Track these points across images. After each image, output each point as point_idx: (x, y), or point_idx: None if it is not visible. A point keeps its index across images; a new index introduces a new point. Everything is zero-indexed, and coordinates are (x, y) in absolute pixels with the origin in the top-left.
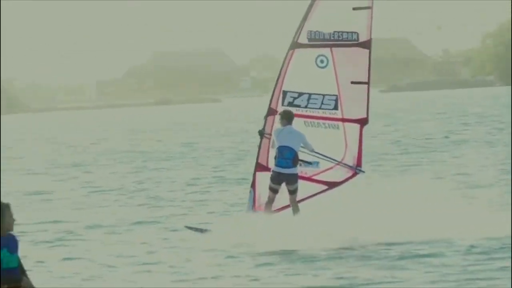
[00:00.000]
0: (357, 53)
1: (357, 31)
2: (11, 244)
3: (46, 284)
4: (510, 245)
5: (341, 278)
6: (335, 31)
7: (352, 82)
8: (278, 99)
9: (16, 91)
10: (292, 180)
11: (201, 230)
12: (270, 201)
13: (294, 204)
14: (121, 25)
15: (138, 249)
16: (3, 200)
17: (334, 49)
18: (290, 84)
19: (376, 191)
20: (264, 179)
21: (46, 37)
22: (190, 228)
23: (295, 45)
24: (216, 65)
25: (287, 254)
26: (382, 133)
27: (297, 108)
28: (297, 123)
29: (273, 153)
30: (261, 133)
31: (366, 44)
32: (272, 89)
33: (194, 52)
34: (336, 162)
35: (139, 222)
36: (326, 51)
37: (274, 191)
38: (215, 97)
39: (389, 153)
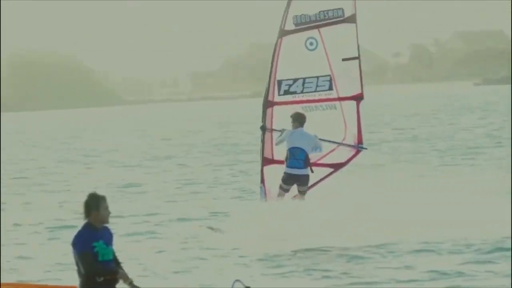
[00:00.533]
0: (344, 29)
1: (341, 7)
2: (107, 236)
3: (139, 277)
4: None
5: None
6: (320, 11)
7: (343, 59)
8: (274, 90)
9: (111, 84)
10: (304, 181)
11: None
12: (280, 196)
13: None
14: (217, 17)
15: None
16: (99, 193)
17: (321, 29)
18: (284, 72)
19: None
20: (271, 172)
21: (142, 30)
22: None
23: (282, 32)
24: None
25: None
26: (475, 126)
27: (294, 95)
28: (295, 109)
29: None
30: (263, 128)
31: (352, 19)
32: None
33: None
34: (338, 144)
35: None
36: (314, 33)
37: (285, 190)
38: None
39: (481, 146)
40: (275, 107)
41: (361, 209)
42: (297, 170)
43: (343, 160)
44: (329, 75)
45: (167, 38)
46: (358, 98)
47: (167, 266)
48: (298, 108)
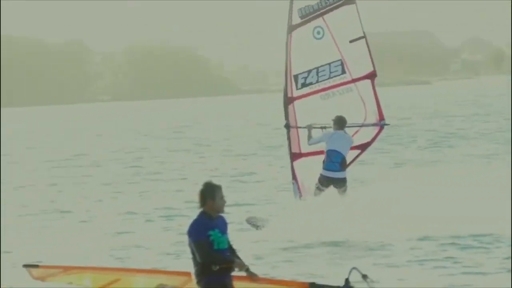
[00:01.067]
0: (346, 12)
1: None
2: (222, 225)
3: (251, 265)
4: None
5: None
6: None
7: (350, 41)
8: (291, 86)
9: (227, 73)
10: (340, 183)
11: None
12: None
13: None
14: None
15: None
16: (214, 182)
17: (325, 16)
18: (298, 66)
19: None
20: (302, 166)
21: (261, 21)
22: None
23: (291, 28)
24: (424, 47)
25: None
26: None
27: (310, 86)
28: (314, 100)
29: (304, 138)
30: (288, 126)
31: (351, 0)
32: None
33: (402, 33)
34: (360, 124)
35: None
36: (319, 21)
37: (321, 190)
38: (424, 79)
39: None
40: (296, 102)
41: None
42: (333, 173)
43: (368, 140)
44: (339, 60)
45: (282, 28)
46: (372, 76)
47: (278, 255)
48: (316, 98)
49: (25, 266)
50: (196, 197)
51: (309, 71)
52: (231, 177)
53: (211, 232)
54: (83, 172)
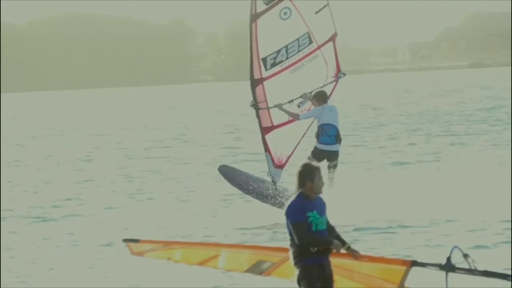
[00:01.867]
0: None
1: None
2: (320, 206)
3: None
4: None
5: None
6: None
7: (316, 13)
8: (259, 68)
9: None
10: (334, 156)
11: None
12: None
13: (331, 181)
14: None
15: None
16: (313, 163)
17: None
18: (266, 49)
19: None
20: (273, 137)
21: None
22: None
23: (255, 16)
24: None
25: None
26: None
27: (280, 64)
28: (284, 76)
29: (276, 112)
30: (255, 106)
31: None
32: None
33: (508, 13)
34: (321, 86)
35: None
36: (286, 3)
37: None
38: None
39: None
40: (266, 82)
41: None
42: (329, 147)
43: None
44: (307, 32)
45: (387, 7)
46: (334, 37)
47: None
48: (287, 74)
49: (125, 240)
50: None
51: (278, 51)
52: None
53: (309, 214)
54: (193, 150)
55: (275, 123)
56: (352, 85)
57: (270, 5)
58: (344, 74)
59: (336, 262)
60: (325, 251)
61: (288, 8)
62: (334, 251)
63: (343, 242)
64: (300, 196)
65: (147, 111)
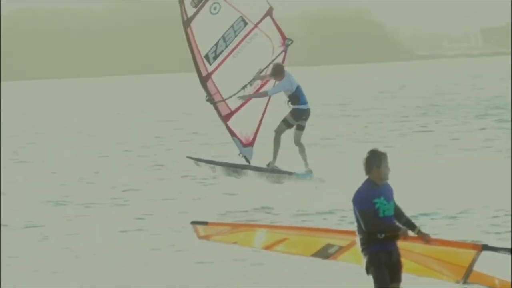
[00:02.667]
0: None
1: None
2: (388, 192)
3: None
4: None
5: None
6: None
7: None
8: (204, 65)
9: (401, 39)
10: (308, 115)
11: None
12: (281, 133)
13: (301, 142)
14: None
15: None
16: (379, 150)
17: None
18: (205, 46)
19: None
20: (235, 121)
21: None
22: None
23: (188, 21)
24: None
25: None
26: None
27: (222, 54)
28: (228, 64)
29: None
30: (210, 100)
31: None
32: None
33: None
34: (270, 60)
35: None
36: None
37: (290, 127)
38: None
39: None
40: (213, 76)
41: None
42: (308, 105)
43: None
44: (240, 16)
45: None
46: (270, 11)
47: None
48: (231, 60)
49: (193, 223)
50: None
51: (216, 43)
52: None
53: (376, 200)
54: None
55: (233, 109)
56: (426, 70)
57: (198, 6)
58: (291, 41)
59: (405, 246)
60: (393, 238)
61: (217, 3)
62: (403, 237)
63: (413, 226)
64: (366, 183)
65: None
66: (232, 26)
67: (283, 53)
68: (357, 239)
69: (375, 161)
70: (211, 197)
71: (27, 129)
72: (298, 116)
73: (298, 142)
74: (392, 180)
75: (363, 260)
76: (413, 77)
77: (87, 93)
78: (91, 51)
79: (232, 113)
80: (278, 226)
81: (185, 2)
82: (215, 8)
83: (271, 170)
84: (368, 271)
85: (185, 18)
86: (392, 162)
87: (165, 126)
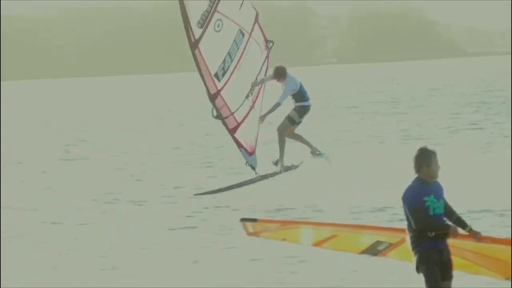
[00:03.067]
0: None
1: None
2: (438, 190)
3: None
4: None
5: None
6: None
7: (240, 8)
8: (214, 83)
9: (453, 35)
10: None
11: None
12: (285, 130)
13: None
14: None
15: None
16: (429, 147)
17: (218, 8)
18: (214, 65)
19: None
20: (241, 132)
21: None
22: None
23: (195, 43)
24: None
25: None
26: None
27: (229, 69)
28: (235, 77)
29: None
30: (219, 117)
31: None
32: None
33: None
34: (261, 65)
35: None
36: (216, 16)
37: (298, 124)
38: None
39: None
40: (222, 92)
41: None
42: (309, 102)
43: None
44: (238, 29)
45: None
46: (256, 17)
47: None
48: (237, 75)
49: (243, 220)
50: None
51: (224, 60)
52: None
53: (426, 198)
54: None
55: (239, 120)
56: (477, 67)
57: (204, 26)
58: (272, 42)
59: (455, 243)
60: (443, 236)
61: (219, 20)
62: (452, 235)
63: (464, 224)
64: (416, 181)
65: None
66: (234, 40)
67: (267, 55)
68: (407, 237)
69: (425, 159)
70: (260, 194)
71: (77, 127)
72: (303, 112)
73: (283, 132)
74: (442, 178)
75: (414, 259)
76: (464, 74)
77: (131, 90)
78: (131, 49)
79: (238, 125)
80: (327, 224)
81: (191, 22)
82: (218, 26)
83: (287, 168)
84: (418, 270)
85: (193, 40)
86: (442, 159)
87: (215, 124)
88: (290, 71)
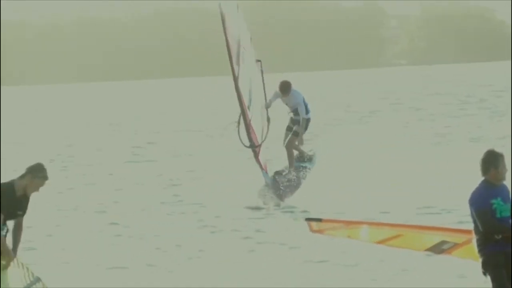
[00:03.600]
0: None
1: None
2: (505, 193)
3: None
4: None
5: None
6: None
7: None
8: (247, 115)
9: None
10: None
11: None
12: (292, 145)
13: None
14: None
15: None
16: (497, 150)
17: (241, 40)
18: (247, 97)
19: None
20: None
21: None
22: None
23: (237, 80)
24: None
25: None
26: None
27: (252, 99)
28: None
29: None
30: (252, 146)
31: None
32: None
33: None
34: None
35: None
36: (241, 49)
37: (299, 136)
38: None
39: None
40: (251, 122)
41: None
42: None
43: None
44: (255, 59)
45: None
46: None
47: None
48: (255, 101)
49: (308, 219)
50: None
51: (249, 91)
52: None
53: (493, 201)
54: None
55: (260, 142)
56: None
57: (239, 62)
58: (259, 60)
59: None
60: (509, 238)
61: (243, 52)
62: None
63: None
64: (484, 183)
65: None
66: (253, 69)
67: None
68: (474, 240)
69: (492, 161)
70: (326, 194)
71: (146, 128)
72: (307, 125)
73: (291, 147)
74: (509, 181)
75: (480, 261)
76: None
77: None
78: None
79: (259, 148)
80: (393, 224)
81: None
82: (243, 59)
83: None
84: (485, 272)
85: (236, 75)
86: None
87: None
88: (358, 72)
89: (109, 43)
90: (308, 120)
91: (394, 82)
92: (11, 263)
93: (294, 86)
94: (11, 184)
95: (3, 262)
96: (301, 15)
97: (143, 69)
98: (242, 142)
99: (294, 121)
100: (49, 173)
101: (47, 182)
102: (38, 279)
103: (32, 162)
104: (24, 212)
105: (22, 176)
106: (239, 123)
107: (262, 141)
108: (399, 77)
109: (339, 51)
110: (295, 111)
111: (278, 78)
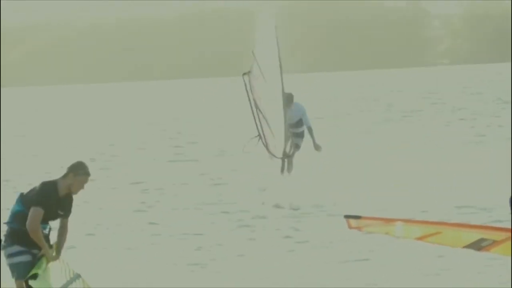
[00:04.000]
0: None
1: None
2: None
3: None
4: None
5: None
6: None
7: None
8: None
9: None
10: None
11: None
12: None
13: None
14: None
15: None
16: None
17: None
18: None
19: None
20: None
21: None
22: None
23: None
24: None
25: None
26: None
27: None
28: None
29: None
30: (286, 156)
31: None
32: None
33: None
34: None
35: None
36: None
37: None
38: None
39: None
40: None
41: None
42: None
43: None
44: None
45: None
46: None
47: None
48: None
49: (347, 216)
50: None
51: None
52: None
53: None
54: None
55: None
56: None
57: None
58: (245, 73)
59: None
60: None
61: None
62: None
63: None
64: None
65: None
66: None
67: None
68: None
69: None
70: (365, 193)
71: (187, 128)
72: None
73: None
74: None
75: None
76: None
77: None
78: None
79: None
80: (432, 222)
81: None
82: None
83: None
84: None
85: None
86: None
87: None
88: (401, 72)
89: (146, 44)
90: (304, 131)
91: (437, 81)
92: (52, 262)
93: (339, 86)
94: (54, 183)
95: (44, 260)
96: (345, 15)
97: (177, 69)
98: (273, 155)
99: (298, 135)
100: (91, 172)
101: (90, 178)
102: (78, 276)
103: (73, 161)
104: (66, 213)
105: (65, 176)
106: (261, 137)
107: (288, 152)
108: (442, 77)
109: (382, 50)
110: (297, 124)
111: (323, 77)
